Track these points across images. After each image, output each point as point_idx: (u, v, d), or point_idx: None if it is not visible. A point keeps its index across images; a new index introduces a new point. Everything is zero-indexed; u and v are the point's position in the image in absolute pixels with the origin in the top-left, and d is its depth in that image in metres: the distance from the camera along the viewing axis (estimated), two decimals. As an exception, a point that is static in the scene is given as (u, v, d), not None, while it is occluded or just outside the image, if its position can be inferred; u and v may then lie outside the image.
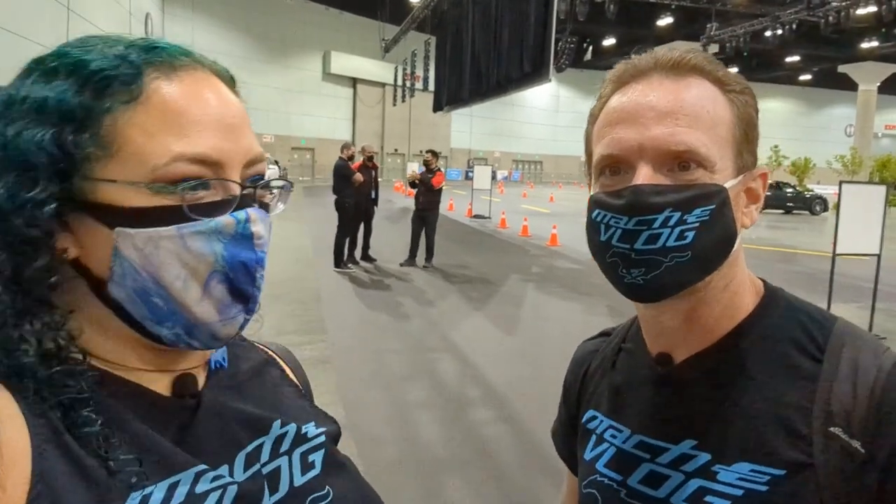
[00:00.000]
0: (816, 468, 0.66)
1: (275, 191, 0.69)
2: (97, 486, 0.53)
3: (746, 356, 0.74)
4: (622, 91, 0.75)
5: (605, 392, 0.89)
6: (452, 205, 23.37)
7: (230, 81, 0.68)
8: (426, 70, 29.16)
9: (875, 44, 37.00)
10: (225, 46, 34.28)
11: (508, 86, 15.64)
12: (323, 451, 0.72)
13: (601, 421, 0.88)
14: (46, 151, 0.56)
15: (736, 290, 0.77)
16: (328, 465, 0.71)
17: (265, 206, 0.66)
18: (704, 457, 0.72)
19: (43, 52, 0.62)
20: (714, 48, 29.83)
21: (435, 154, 11.13)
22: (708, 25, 29.87)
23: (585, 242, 0.78)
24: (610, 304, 8.07)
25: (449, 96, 21.07)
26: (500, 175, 46.24)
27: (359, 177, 10.17)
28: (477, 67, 17.24)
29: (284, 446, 0.69)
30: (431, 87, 25.64)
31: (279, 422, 0.71)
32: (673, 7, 31.43)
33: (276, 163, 30.88)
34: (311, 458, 0.70)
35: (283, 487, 0.66)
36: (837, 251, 6.98)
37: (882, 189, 7.11)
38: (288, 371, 0.83)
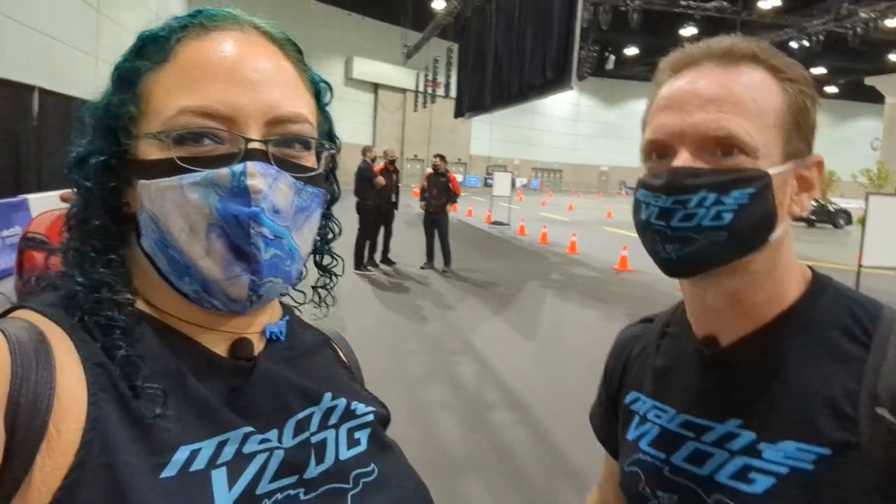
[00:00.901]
0: (863, 448, 0.67)
1: (308, 154, 0.66)
2: (148, 436, 0.55)
3: (794, 340, 0.76)
4: (674, 78, 0.78)
5: (648, 374, 0.91)
6: (471, 211, 23.39)
7: (284, 44, 0.68)
8: (447, 76, 29.23)
9: (903, 56, 36.54)
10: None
11: (530, 93, 15.62)
12: (370, 429, 0.72)
13: (644, 402, 0.90)
14: (100, 113, 0.63)
15: (782, 276, 0.78)
16: (374, 444, 0.72)
17: (294, 167, 0.63)
18: (750, 435, 0.74)
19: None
20: (738, 59, 29.54)
21: (443, 158, 11.16)
22: (732, 36, 29.61)
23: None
24: (629, 312, 8.04)
25: (470, 102, 21.09)
26: (519, 183, 46.16)
27: (381, 180, 10.22)
28: (499, 74, 17.25)
29: (333, 419, 0.70)
30: (453, 93, 25.69)
31: (330, 395, 0.72)
32: (697, 17, 31.24)
33: None
34: (357, 434, 0.71)
35: (329, 459, 0.66)
36: (863, 263, 6.89)
37: (910, 202, 7.03)
38: (341, 354, 0.85)
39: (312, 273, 0.81)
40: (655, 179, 0.75)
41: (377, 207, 10.34)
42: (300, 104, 0.65)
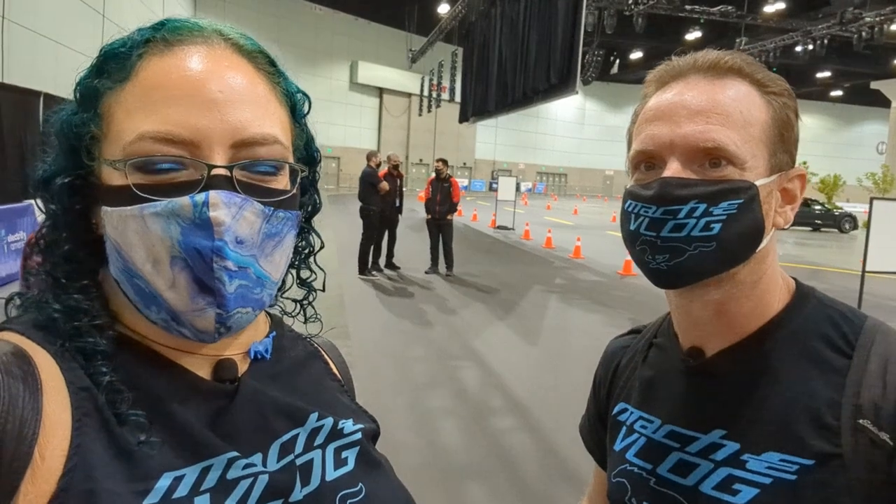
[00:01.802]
0: (845, 459, 0.67)
1: (275, 177, 0.62)
2: (131, 462, 0.54)
3: (777, 350, 0.76)
4: (661, 91, 0.79)
5: (635, 385, 0.92)
6: (476, 215, 23.38)
7: (255, 56, 0.64)
8: (452, 81, 29.28)
9: (909, 60, 36.43)
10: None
11: (535, 97, 15.64)
12: (358, 448, 0.71)
13: (631, 413, 0.90)
14: (64, 131, 0.61)
15: (766, 287, 0.79)
16: (362, 462, 0.70)
17: (263, 192, 0.60)
18: (734, 446, 0.74)
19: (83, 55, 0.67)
20: (743, 63, 29.48)
21: (445, 162, 11.15)
22: (737, 40, 29.59)
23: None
24: (632, 317, 8.02)
25: (475, 107, 21.11)
26: (524, 187, 46.17)
27: (385, 185, 10.24)
28: (503, 79, 17.27)
29: (319, 439, 0.68)
30: (457, 97, 25.74)
31: (316, 414, 0.70)
32: (702, 21, 31.21)
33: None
34: (344, 454, 0.69)
35: (315, 481, 0.65)
36: (867, 268, 6.87)
37: (914, 207, 7.00)
38: (332, 366, 0.83)
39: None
40: (645, 190, 0.76)
41: (381, 212, 10.35)
42: (269, 123, 0.61)
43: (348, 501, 0.66)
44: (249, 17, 37.25)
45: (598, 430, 1.00)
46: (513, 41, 16.51)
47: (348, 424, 0.73)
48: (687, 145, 0.74)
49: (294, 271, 0.77)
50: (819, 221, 27.33)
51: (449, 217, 10.78)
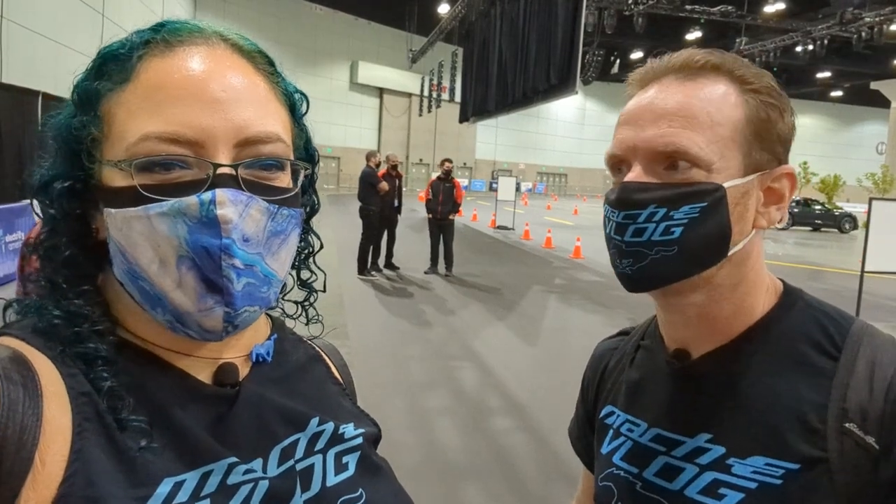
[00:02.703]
0: (831, 463, 0.67)
1: (278, 174, 0.63)
2: (131, 468, 0.54)
3: (763, 353, 0.75)
4: (639, 94, 0.78)
5: (622, 388, 0.91)
6: (476, 215, 23.39)
7: (255, 56, 0.64)
8: (452, 81, 29.30)
9: (909, 60, 36.45)
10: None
11: (535, 97, 15.64)
12: (358, 453, 0.71)
13: (618, 416, 0.89)
14: (63, 135, 0.60)
15: (748, 289, 0.77)
16: (363, 467, 0.70)
17: (267, 190, 0.61)
18: (719, 450, 0.74)
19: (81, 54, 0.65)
20: (743, 63, 29.51)
21: (450, 162, 11.14)
22: (738, 40, 29.61)
23: (608, 255, 0.80)
24: (632, 317, 8.02)
25: (475, 107, 21.11)
26: (524, 187, 46.17)
27: (384, 185, 10.24)
28: (504, 79, 17.27)
29: (320, 444, 0.68)
30: (457, 97, 25.76)
31: (317, 419, 0.70)
32: (702, 21, 31.22)
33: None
34: (345, 459, 0.69)
35: (316, 486, 0.65)
36: (866, 269, 6.87)
37: (913, 207, 7.00)
38: (333, 369, 0.82)
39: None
40: (611, 195, 0.76)
41: (380, 212, 10.35)
42: (272, 122, 0.62)
43: None
44: (249, 17, 37.26)
45: (587, 432, 1.00)
46: (513, 41, 16.52)
47: (349, 429, 0.72)
48: (648, 149, 0.73)
49: (294, 272, 0.77)
50: (819, 221, 27.36)
51: (451, 217, 10.78)
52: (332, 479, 0.67)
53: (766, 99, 0.74)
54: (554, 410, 4.93)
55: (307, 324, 0.81)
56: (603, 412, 0.93)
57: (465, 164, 49.69)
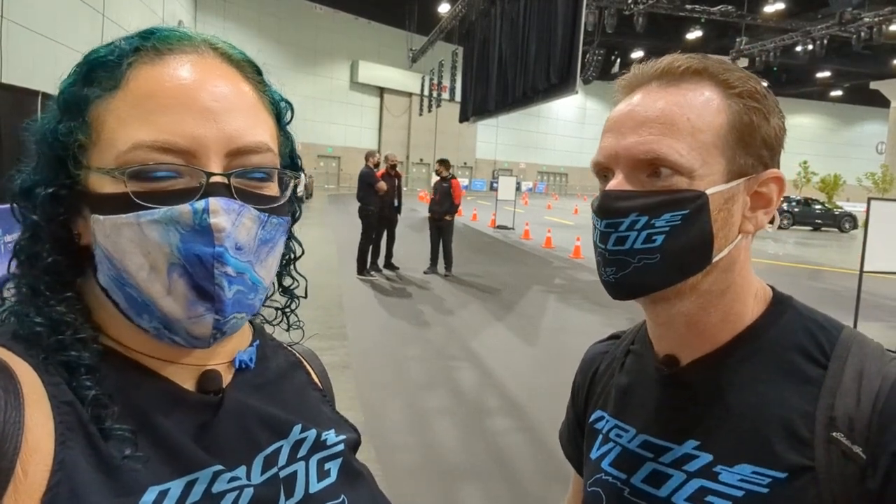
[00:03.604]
0: (818, 472, 0.66)
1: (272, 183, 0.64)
2: (116, 477, 0.53)
3: (751, 360, 0.75)
4: (623, 101, 0.78)
5: (612, 392, 0.91)
6: (476, 215, 23.38)
7: (243, 65, 0.65)
8: (453, 80, 29.29)
9: (909, 60, 36.45)
10: (255, 54, 34.47)
11: (535, 97, 15.63)
12: (340, 459, 0.71)
13: (607, 421, 0.89)
14: (47, 140, 0.59)
15: (736, 296, 0.77)
16: (345, 473, 0.71)
17: (258, 198, 0.61)
18: (706, 457, 0.73)
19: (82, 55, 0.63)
20: (743, 62, 29.56)
21: (444, 163, 11.11)
22: (738, 39, 29.62)
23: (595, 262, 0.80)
24: (631, 317, 8.00)
25: (475, 107, 21.11)
26: (524, 186, 46.18)
27: (382, 185, 10.23)
28: (504, 78, 17.27)
29: (302, 451, 0.69)
30: (458, 97, 25.75)
31: (300, 426, 0.70)
32: (702, 20, 31.24)
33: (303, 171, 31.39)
34: (327, 465, 0.70)
35: (299, 493, 0.65)
36: (865, 268, 6.86)
37: (912, 207, 6.99)
38: (313, 375, 0.83)
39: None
40: (595, 202, 0.76)
41: (380, 212, 10.35)
42: (261, 131, 0.62)
43: None
44: (250, 16, 37.25)
45: (577, 436, 0.99)
46: (513, 41, 16.51)
47: (331, 436, 0.73)
48: (629, 157, 0.73)
49: (276, 278, 0.77)
50: (819, 221, 27.35)
51: (447, 217, 10.77)
52: (315, 486, 0.67)
53: (750, 103, 0.73)
54: (553, 411, 4.92)
55: (288, 330, 0.81)
56: (592, 417, 0.93)
57: (465, 163, 49.70)
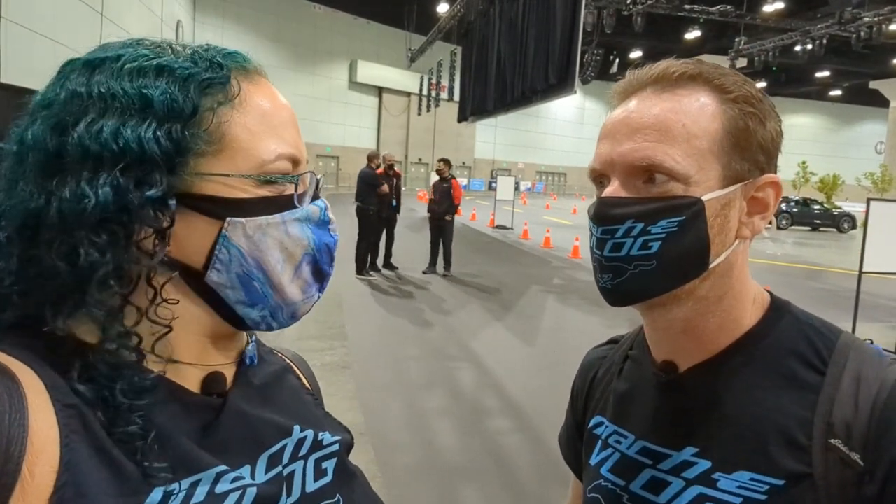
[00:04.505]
0: (816, 479, 0.66)
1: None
2: (122, 478, 0.54)
3: (749, 367, 0.75)
4: (619, 106, 0.78)
5: (611, 398, 0.91)
6: (475, 215, 23.39)
7: None
8: (451, 80, 29.27)
9: (908, 60, 36.48)
10: (254, 54, 34.46)
11: (533, 97, 15.62)
12: (336, 459, 0.73)
13: (606, 426, 0.89)
14: (161, 146, 0.57)
15: (734, 301, 0.77)
16: (340, 473, 0.72)
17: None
18: (705, 464, 0.73)
19: (78, 55, 0.63)
20: (742, 62, 29.59)
21: (447, 162, 11.12)
22: (736, 39, 29.62)
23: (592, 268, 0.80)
24: (630, 318, 8.01)
25: (474, 107, 21.10)
26: (523, 186, 46.17)
27: (386, 188, 10.25)
28: (502, 78, 17.26)
29: (302, 451, 0.70)
30: (456, 97, 25.71)
31: (298, 427, 0.72)
32: (701, 20, 31.24)
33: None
34: (324, 465, 0.71)
35: (296, 492, 0.67)
36: (864, 269, 6.86)
37: (911, 207, 6.99)
38: (303, 379, 0.84)
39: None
40: (591, 208, 0.76)
41: (378, 212, 10.35)
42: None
43: None
44: (249, 16, 37.24)
45: (576, 442, 0.99)
46: (512, 41, 16.50)
47: (327, 436, 0.74)
48: (625, 163, 0.73)
49: None
50: (818, 221, 27.36)
51: (447, 217, 10.77)
52: (312, 485, 0.68)
53: (746, 108, 0.73)
54: (551, 410, 4.93)
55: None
56: (591, 422, 0.93)
57: (463, 163, 49.69)
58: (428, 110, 37.02)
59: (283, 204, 0.65)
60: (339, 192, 34.99)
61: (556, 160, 57.20)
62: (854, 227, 26.44)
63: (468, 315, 8.23)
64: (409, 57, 37.69)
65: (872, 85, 37.77)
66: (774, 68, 38.01)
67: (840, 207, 29.13)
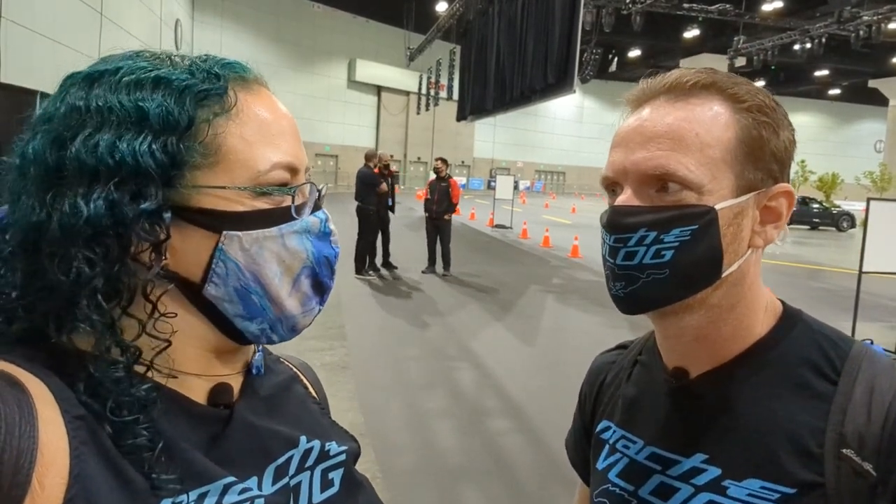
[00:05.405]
0: (827, 489, 0.66)
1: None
2: (130, 489, 0.54)
3: (760, 375, 0.75)
4: (632, 115, 0.78)
5: (619, 403, 0.91)
6: (474, 214, 23.39)
7: None
8: (450, 79, 29.26)
9: (907, 59, 36.50)
10: (253, 53, 34.65)
11: (532, 96, 15.62)
12: (342, 469, 0.73)
13: (615, 431, 0.89)
14: (156, 159, 0.57)
15: (746, 309, 0.77)
16: (347, 483, 0.72)
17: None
18: (715, 471, 0.73)
19: (81, 67, 0.63)
20: (741, 61, 29.57)
21: (445, 161, 11.10)
22: (735, 38, 29.62)
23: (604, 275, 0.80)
24: (630, 318, 7.98)
25: (473, 106, 21.09)
26: (522, 185, 46.16)
27: (384, 186, 10.25)
28: (501, 77, 17.25)
29: (309, 461, 0.70)
30: (455, 96, 25.70)
31: (305, 437, 0.71)
32: (700, 19, 31.24)
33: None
34: (331, 475, 0.71)
35: (303, 503, 0.67)
36: (864, 269, 6.86)
37: (911, 207, 6.99)
38: (310, 388, 0.84)
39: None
40: (604, 216, 0.76)
41: (377, 212, 10.35)
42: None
43: None
44: (248, 15, 37.20)
45: (584, 445, 0.99)
46: (510, 40, 16.50)
47: (333, 446, 0.74)
48: (638, 172, 0.73)
49: None
50: (817, 220, 27.36)
51: (446, 217, 10.77)
52: (318, 496, 0.68)
53: (759, 117, 0.73)
54: (552, 411, 4.93)
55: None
56: (599, 427, 0.93)
57: (462, 162, 49.69)
58: (427, 109, 37.02)
59: (280, 216, 0.63)
60: (338, 191, 34.98)
61: (555, 159, 57.18)
62: (853, 225, 26.44)
63: (468, 315, 8.22)
64: (408, 56, 37.67)
65: (871, 84, 37.78)
66: (773, 67, 38.02)
67: (839, 206, 29.14)
